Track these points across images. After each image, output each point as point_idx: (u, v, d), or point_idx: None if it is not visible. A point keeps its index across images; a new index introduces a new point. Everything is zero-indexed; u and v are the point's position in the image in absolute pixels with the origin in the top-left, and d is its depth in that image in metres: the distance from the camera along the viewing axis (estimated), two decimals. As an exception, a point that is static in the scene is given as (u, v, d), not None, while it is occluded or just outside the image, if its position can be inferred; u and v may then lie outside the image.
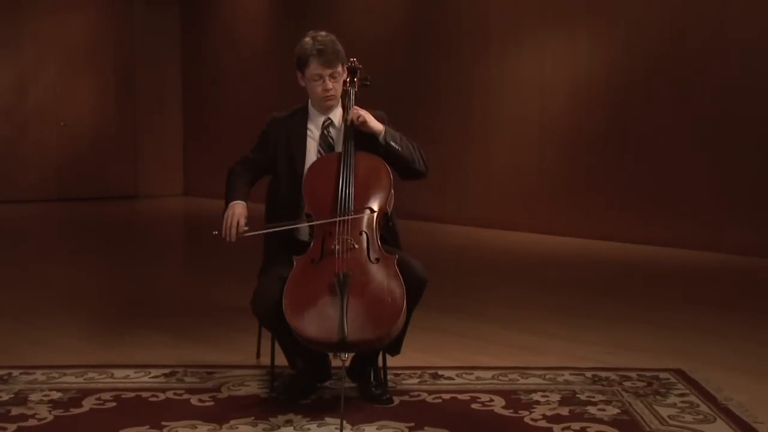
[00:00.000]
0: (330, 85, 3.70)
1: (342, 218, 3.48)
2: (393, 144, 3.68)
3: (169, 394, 3.72)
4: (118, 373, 4.03)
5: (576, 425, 3.33)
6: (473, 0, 10.05)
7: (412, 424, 3.33)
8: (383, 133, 3.68)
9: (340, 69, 3.71)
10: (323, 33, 3.72)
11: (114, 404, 3.60)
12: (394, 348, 3.66)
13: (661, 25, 8.44)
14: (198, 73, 14.35)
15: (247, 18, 13.48)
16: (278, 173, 3.79)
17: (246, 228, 3.60)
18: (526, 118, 9.57)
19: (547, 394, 3.71)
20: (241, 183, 3.75)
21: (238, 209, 3.63)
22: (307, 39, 3.70)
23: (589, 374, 4.00)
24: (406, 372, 4.00)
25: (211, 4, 14.15)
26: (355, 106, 3.75)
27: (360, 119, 3.66)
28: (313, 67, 3.67)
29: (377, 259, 3.42)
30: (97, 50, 13.86)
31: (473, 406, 3.58)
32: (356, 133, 3.70)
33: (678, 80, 8.30)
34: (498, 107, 9.86)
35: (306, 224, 3.60)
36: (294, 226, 3.63)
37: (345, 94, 3.79)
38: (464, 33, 10.12)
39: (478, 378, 3.95)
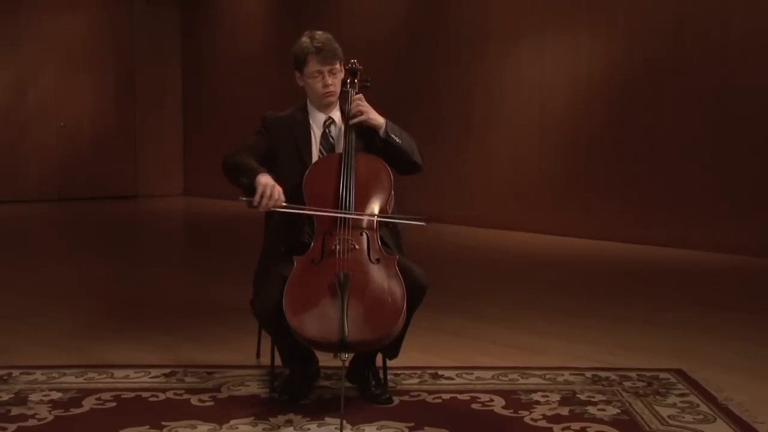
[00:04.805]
0: (330, 80, 3.70)
1: (351, 215, 3.46)
2: (394, 137, 3.69)
3: (169, 394, 3.71)
4: (118, 373, 4.02)
5: (576, 425, 3.32)
6: (473, 0, 10.05)
7: (412, 424, 3.32)
8: (384, 126, 3.69)
9: (338, 66, 3.72)
10: (320, 32, 3.74)
11: (114, 404, 3.60)
12: (393, 351, 3.65)
13: (660, 26, 8.44)
14: (198, 73, 14.35)
15: (247, 18, 13.48)
16: (280, 172, 3.68)
17: (284, 203, 3.48)
18: (526, 119, 9.57)
19: (547, 394, 3.71)
20: (253, 159, 3.61)
21: (273, 181, 3.48)
22: (304, 38, 3.72)
23: (589, 374, 4.00)
24: (406, 372, 3.99)
25: (211, 4, 14.15)
26: (358, 97, 3.74)
27: (360, 109, 3.66)
28: (312, 65, 3.68)
29: (378, 260, 3.41)
30: (97, 50, 13.87)
31: (473, 406, 3.58)
32: (357, 130, 3.70)
33: (678, 80, 8.30)
34: (498, 107, 9.86)
35: (337, 214, 3.48)
36: (325, 214, 3.50)
37: (344, 96, 3.78)
38: (464, 33, 10.12)
39: (478, 378, 3.95)
